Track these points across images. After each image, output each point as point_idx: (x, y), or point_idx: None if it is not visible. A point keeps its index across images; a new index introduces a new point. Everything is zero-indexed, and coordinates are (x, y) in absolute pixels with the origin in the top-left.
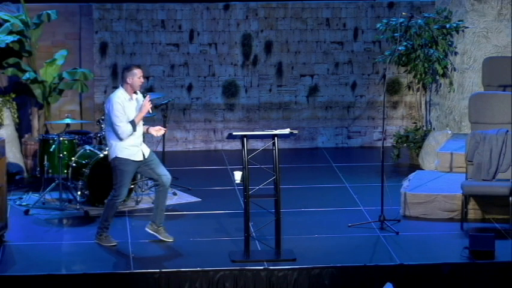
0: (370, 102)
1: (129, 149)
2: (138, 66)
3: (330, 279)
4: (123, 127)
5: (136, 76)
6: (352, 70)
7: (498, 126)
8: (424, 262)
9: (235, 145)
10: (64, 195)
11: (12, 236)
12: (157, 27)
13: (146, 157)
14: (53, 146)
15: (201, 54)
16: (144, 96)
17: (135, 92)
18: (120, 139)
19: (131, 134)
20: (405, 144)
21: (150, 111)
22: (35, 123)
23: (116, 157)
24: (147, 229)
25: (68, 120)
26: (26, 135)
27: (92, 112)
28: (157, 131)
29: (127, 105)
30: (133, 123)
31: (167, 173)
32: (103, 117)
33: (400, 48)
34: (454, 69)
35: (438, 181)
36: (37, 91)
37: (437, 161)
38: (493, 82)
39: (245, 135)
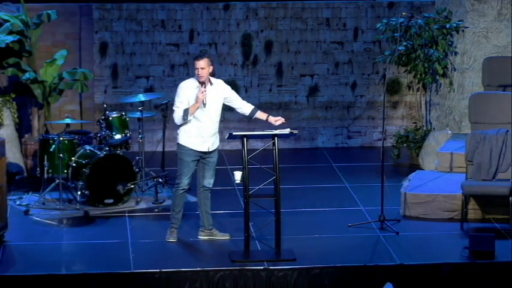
0: (370, 102)
1: (192, 138)
2: (199, 57)
3: (330, 279)
4: (176, 112)
5: (194, 67)
6: (352, 70)
7: (498, 126)
8: (424, 262)
9: (235, 145)
10: (64, 195)
11: (12, 236)
12: (157, 27)
13: (211, 150)
14: (53, 146)
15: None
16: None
17: (210, 82)
18: (176, 123)
19: (185, 122)
20: (405, 144)
21: (204, 102)
22: (35, 123)
23: (178, 143)
24: (199, 237)
25: (68, 120)
26: (26, 135)
27: (92, 112)
28: (276, 120)
29: (192, 92)
30: (185, 111)
31: (212, 179)
32: (103, 117)
33: (400, 48)
34: (454, 69)
35: (438, 181)
36: (37, 91)
37: (437, 161)
38: (493, 82)
39: (245, 135)
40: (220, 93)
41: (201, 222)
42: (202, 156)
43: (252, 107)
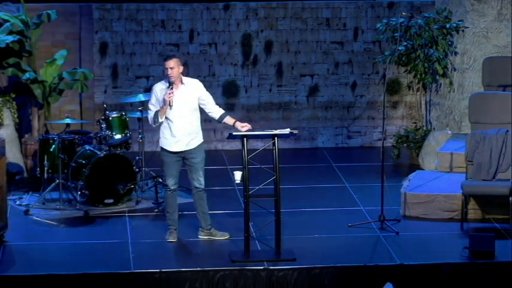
0: (370, 102)
1: (168, 139)
2: (168, 58)
3: (330, 279)
4: (149, 114)
5: (164, 67)
6: (352, 70)
7: (498, 126)
8: (424, 262)
9: (235, 145)
10: (64, 195)
11: (12, 236)
12: (157, 27)
13: (186, 150)
14: (53, 146)
15: (201, 54)
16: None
17: (181, 82)
18: (152, 125)
19: (158, 123)
20: (405, 144)
21: (171, 104)
22: (35, 123)
23: (160, 146)
24: (200, 236)
25: (68, 120)
26: (26, 135)
27: (92, 112)
28: (242, 126)
29: (162, 93)
30: (156, 114)
31: (201, 180)
32: (103, 117)
33: (400, 48)
34: (454, 69)
35: (438, 181)
36: (37, 91)
37: (437, 161)
38: (493, 82)
39: (245, 135)
40: (193, 92)
41: (200, 223)
42: (185, 156)
43: (222, 111)
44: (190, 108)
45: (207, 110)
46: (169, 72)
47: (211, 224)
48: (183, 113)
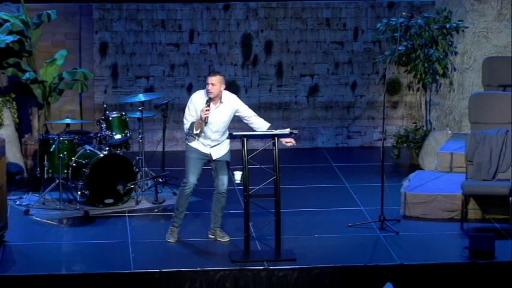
0: (370, 102)
1: (198, 143)
2: (212, 73)
3: (330, 279)
4: (185, 124)
5: (206, 82)
6: (352, 70)
7: (498, 126)
8: (424, 262)
9: (235, 145)
10: (64, 195)
11: (12, 236)
12: (157, 27)
13: (213, 159)
14: (53, 146)
15: (201, 54)
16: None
17: (220, 101)
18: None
19: (194, 134)
20: (405, 144)
21: (206, 121)
22: (35, 123)
23: (186, 144)
24: (208, 235)
25: (68, 120)
26: (26, 135)
27: (92, 112)
28: (286, 142)
29: (200, 106)
30: (191, 126)
31: (224, 181)
32: (103, 117)
33: (400, 48)
34: (454, 69)
35: (438, 181)
36: (37, 91)
37: (437, 161)
38: (493, 82)
39: (245, 135)
40: (231, 110)
41: (210, 222)
42: (210, 159)
43: (267, 125)
44: (225, 125)
45: (250, 125)
46: (210, 88)
47: (220, 226)
48: (218, 129)
